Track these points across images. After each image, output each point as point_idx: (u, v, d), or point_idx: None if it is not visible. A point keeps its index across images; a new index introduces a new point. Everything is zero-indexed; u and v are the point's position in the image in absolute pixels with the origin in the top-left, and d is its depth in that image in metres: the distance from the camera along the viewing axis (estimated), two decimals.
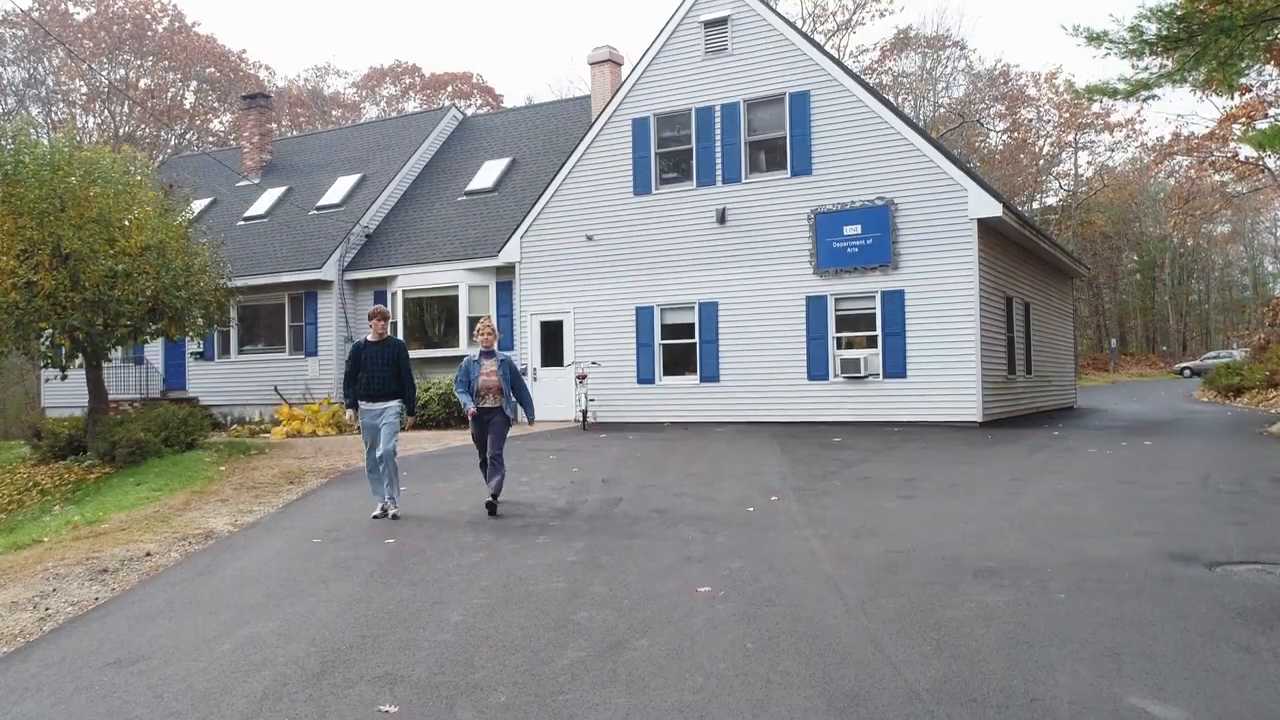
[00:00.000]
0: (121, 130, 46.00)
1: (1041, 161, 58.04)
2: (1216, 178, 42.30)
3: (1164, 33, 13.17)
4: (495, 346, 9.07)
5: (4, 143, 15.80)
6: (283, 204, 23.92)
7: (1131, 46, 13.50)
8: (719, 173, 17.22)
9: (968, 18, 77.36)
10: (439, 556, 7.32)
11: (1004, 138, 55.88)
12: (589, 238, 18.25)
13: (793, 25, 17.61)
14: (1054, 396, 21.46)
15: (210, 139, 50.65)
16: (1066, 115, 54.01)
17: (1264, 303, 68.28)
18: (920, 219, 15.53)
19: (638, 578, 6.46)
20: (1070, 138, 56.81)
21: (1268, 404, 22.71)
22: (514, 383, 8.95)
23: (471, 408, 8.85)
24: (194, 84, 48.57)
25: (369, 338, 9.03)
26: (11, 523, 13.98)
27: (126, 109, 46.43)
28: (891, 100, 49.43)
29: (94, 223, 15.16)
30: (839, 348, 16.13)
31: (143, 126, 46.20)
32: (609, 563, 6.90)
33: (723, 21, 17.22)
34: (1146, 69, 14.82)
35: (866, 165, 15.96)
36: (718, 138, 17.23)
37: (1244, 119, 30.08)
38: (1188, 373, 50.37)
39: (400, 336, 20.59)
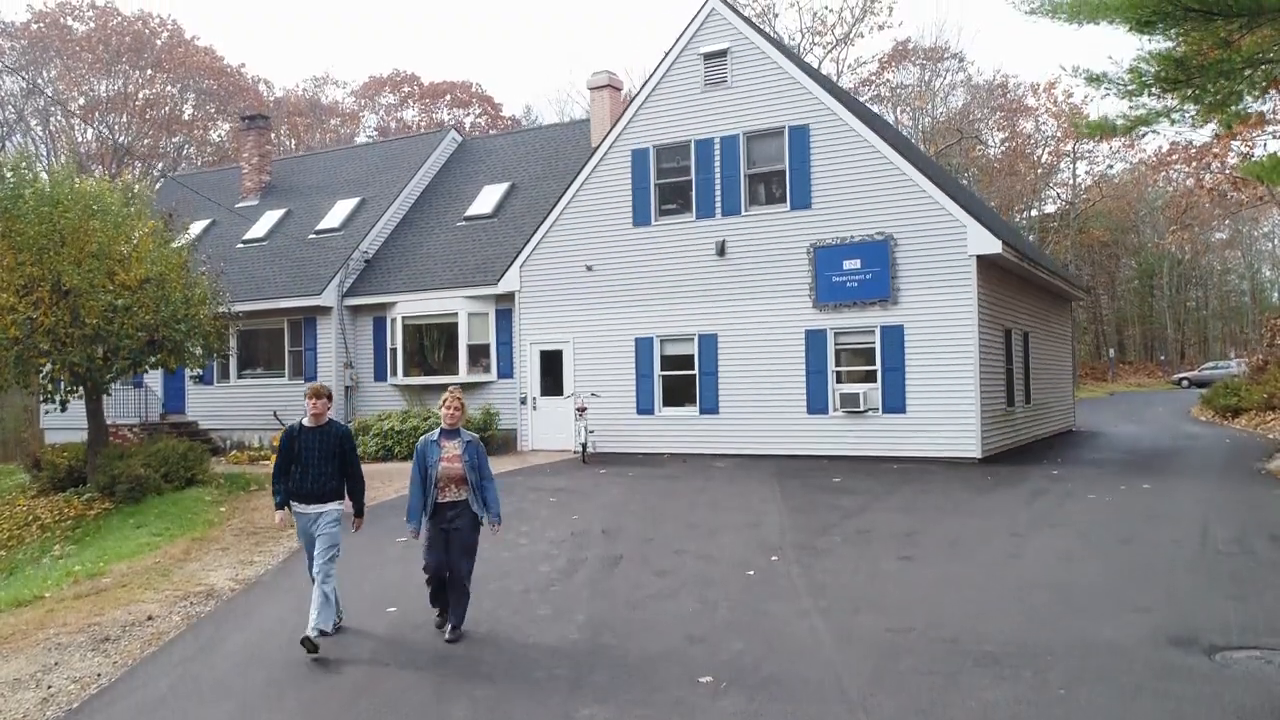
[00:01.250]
0: (120, 139, 46.03)
1: (1040, 170, 58.07)
2: (1213, 187, 42.28)
3: (1163, 74, 13.22)
4: (461, 423, 7.38)
5: (4, 173, 15.83)
6: (282, 227, 23.92)
7: (1130, 87, 13.56)
8: (718, 205, 17.25)
9: (966, 31, 77.52)
10: (438, 632, 7.33)
11: (1002, 147, 55.94)
12: (589, 268, 18.27)
13: (792, 58, 17.64)
14: (1053, 422, 21.50)
15: (209, 148, 50.65)
16: (1065, 125, 54.05)
17: (1262, 310, 68.49)
18: (920, 254, 15.55)
19: (639, 660, 6.48)
20: (1069, 148, 56.84)
21: (1265, 427, 22.78)
22: (480, 471, 7.24)
23: (411, 528, 7.20)
24: (192, 97, 48.52)
25: (304, 421, 7.35)
26: (11, 562, 14.01)
27: (125, 119, 46.40)
28: (890, 115, 49.56)
29: (93, 257, 15.17)
30: (838, 382, 16.16)
31: (142, 139, 46.15)
32: (610, 641, 6.92)
33: (722, 54, 17.24)
34: (1145, 106, 14.86)
35: (866, 200, 15.99)
36: (717, 170, 17.26)
37: (1242, 136, 30.11)
38: (1186, 383, 50.33)
39: (400, 363, 20.62)
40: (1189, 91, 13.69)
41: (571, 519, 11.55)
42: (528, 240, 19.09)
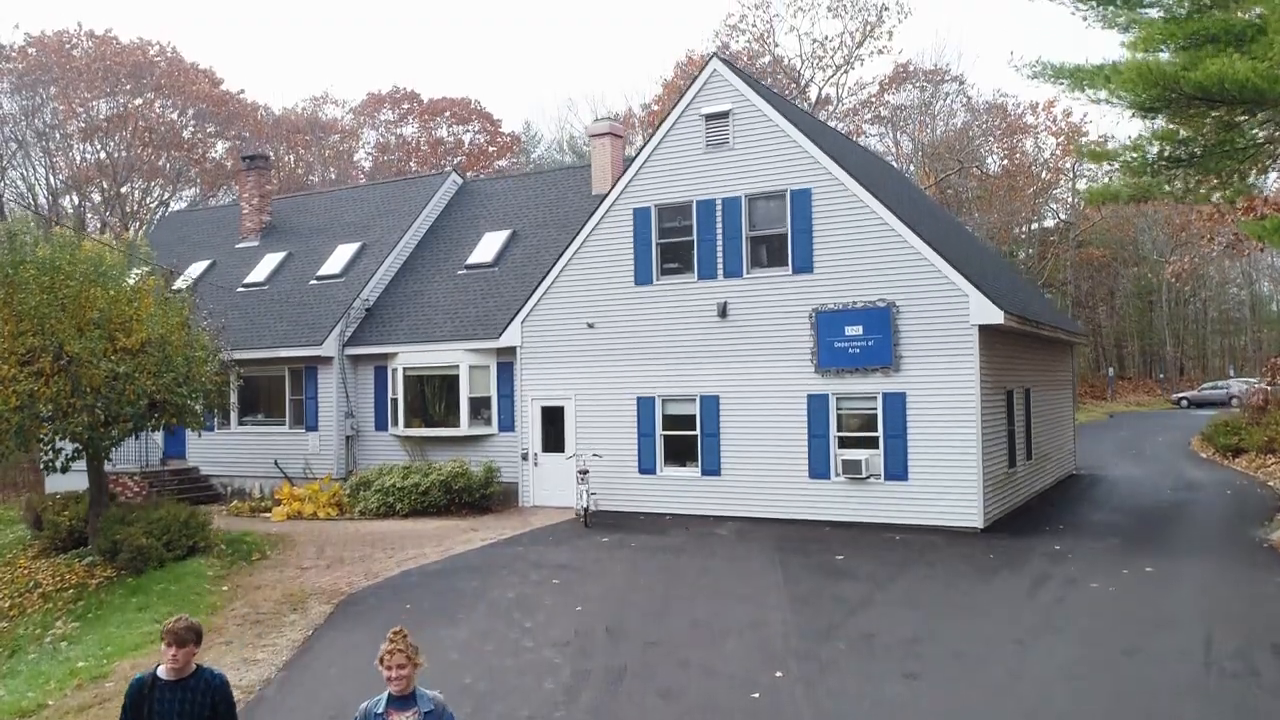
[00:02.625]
0: (119, 154, 45.93)
1: (1039, 184, 58.06)
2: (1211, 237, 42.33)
3: (1166, 153, 13.23)
4: (414, 685, 5.21)
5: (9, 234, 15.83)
6: (282, 271, 23.91)
7: (1134, 165, 13.57)
8: (720, 266, 17.24)
9: (966, 56, 77.46)
10: None
11: (1003, 163, 55.95)
12: (590, 325, 18.27)
13: (794, 120, 17.60)
14: (1054, 472, 21.50)
15: (209, 164, 50.52)
16: (1063, 141, 54.10)
17: (1261, 326, 68.53)
18: (922, 322, 15.55)
19: None
20: (1068, 165, 56.87)
21: (1266, 471, 22.88)
22: None
23: None
24: (192, 124, 48.51)
25: (159, 672, 5.46)
26: (14, 637, 13.99)
27: (123, 141, 46.30)
28: (889, 137, 49.56)
29: (94, 325, 15.15)
30: (840, 447, 16.16)
31: (143, 163, 46.15)
32: None
33: (724, 115, 17.23)
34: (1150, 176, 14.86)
35: (868, 265, 15.99)
36: (719, 231, 17.26)
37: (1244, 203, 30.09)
38: (1185, 403, 50.45)
39: (401, 414, 20.56)
40: (1192, 168, 13.71)
41: (575, 610, 11.54)
42: (529, 295, 19.08)
